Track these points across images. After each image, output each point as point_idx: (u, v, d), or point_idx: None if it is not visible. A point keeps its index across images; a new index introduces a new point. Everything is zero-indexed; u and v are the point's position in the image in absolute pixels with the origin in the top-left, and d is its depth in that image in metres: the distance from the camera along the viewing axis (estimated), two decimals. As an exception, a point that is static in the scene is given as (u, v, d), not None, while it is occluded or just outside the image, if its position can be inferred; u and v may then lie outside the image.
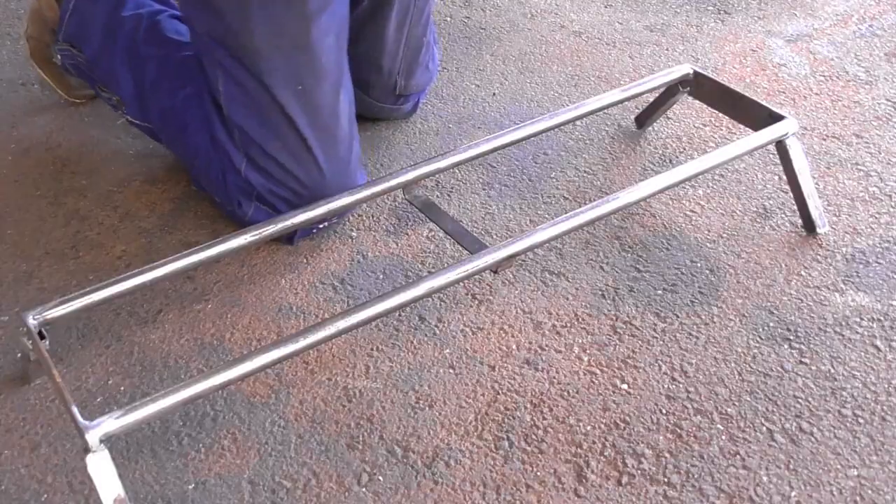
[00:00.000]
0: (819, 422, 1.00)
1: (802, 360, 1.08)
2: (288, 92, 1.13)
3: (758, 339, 1.10)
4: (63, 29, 1.43)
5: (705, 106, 1.41)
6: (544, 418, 1.01)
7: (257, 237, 1.06)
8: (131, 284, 0.99)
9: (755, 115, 1.24)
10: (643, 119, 1.46)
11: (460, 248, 1.21)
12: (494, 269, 1.02)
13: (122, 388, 1.05)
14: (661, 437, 0.99)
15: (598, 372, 1.07)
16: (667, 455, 0.97)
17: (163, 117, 1.31)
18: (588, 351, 1.09)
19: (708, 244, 1.25)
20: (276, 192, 1.18)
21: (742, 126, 1.35)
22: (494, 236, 1.26)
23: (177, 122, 1.28)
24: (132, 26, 1.34)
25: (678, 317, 1.14)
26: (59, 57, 1.49)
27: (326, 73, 1.14)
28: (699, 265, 1.21)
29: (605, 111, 1.44)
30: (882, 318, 1.13)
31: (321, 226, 1.23)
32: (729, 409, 1.02)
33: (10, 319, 1.13)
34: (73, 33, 1.42)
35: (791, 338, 1.10)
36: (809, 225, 1.26)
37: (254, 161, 1.18)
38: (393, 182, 1.13)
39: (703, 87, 1.32)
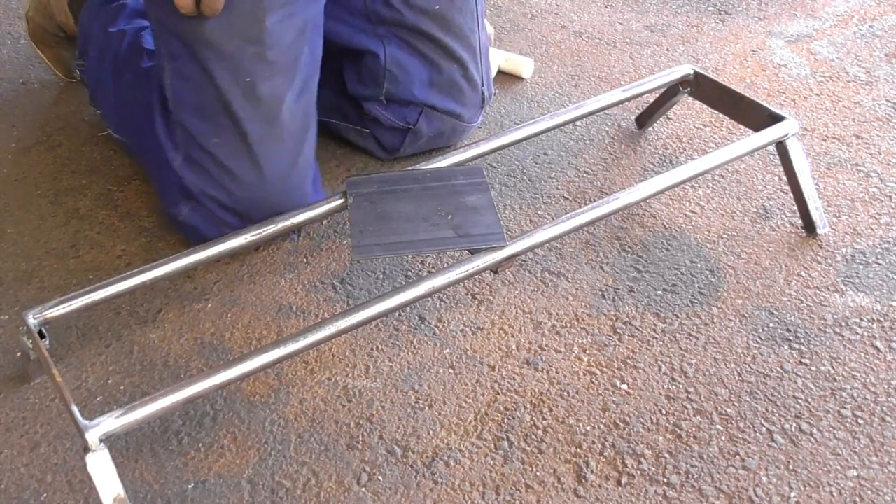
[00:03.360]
0: (819, 422, 1.00)
1: (802, 360, 1.08)
2: (234, 83, 1.10)
3: (758, 339, 1.10)
4: (78, 44, 1.45)
5: (705, 106, 1.41)
6: (544, 418, 1.01)
7: (257, 237, 1.06)
8: (131, 284, 0.99)
9: (755, 116, 1.24)
10: (643, 119, 1.46)
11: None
12: (494, 269, 1.02)
13: (122, 388, 1.05)
14: (660, 438, 0.99)
15: (597, 372, 1.07)
16: (666, 455, 0.97)
17: (130, 128, 1.31)
18: (588, 351, 1.09)
19: (708, 244, 1.25)
20: (210, 193, 1.15)
21: (742, 127, 1.35)
22: (494, 236, 1.26)
23: (138, 130, 1.27)
24: (117, 41, 1.35)
25: (678, 317, 1.14)
26: (77, 72, 1.51)
27: (278, 69, 1.11)
28: (699, 265, 1.21)
29: (606, 111, 1.44)
30: (882, 319, 1.13)
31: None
32: (729, 410, 1.02)
33: (11, 319, 1.13)
34: (81, 49, 1.44)
35: (791, 338, 1.10)
36: (809, 225, 1.26)
37: (190, 158, 1.15)
38: (393, 182, 1.13)
39: (703, 88, 1.32)
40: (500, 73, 1.62)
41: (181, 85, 1.13)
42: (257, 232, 1.05)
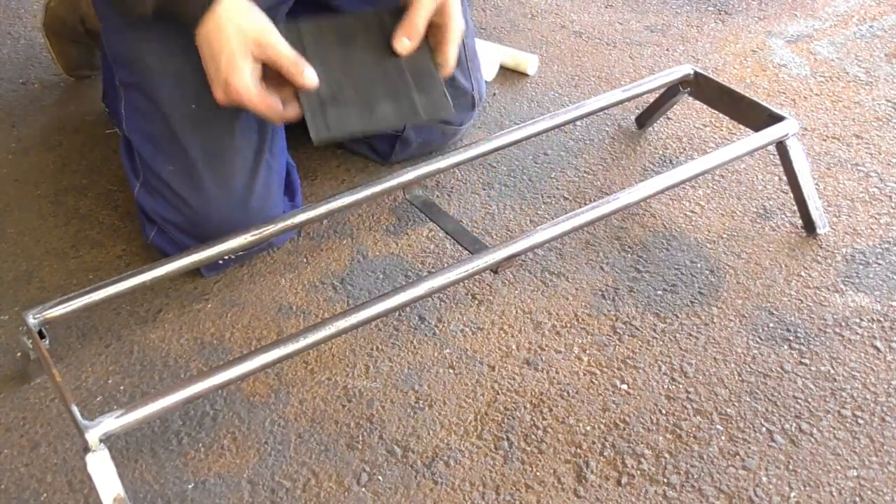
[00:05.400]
0: (819, 422, 1.00)
1: (802, 360, 1.08)
2: (180, 113, 1.08)
3: (758, 339, 1.10)
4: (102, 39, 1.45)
5: (705, 106, 1.41)
6: (544, 418, 1.01)
7: (257, 237, 1.06)
8: (131, 284, 0.99)
9: (755, 116, 1.24)
10: (643, 119, 1.46)
11: (460, 248, 1.21)
12: (494, 269, 1.02)
13: (122, 388, 1.05)
14: (660, 438, 0.99)
15: (597, 372, 1.07)
16: (666, 455, 0.97)
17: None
18: (588, 351, 1.09)
19: (708, 244, 1.25)
20: (169, 219, 1.14)
21: (742, 127, 1.35)
22: (494, 236, 1.26)
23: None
24: None
25: (678, 317, 1.14)
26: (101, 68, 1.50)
27: None
28: (699, 265, 1.21)
29: (606, 111, 1.44)
30: (882, 319, 1.13)
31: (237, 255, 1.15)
32: (729, 410, 1.02)
33: (11, 318, 1.13)
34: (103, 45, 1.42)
35: (791, 338, 1.10)
36: (809, 225, 1.26)
37: (147, 184, 1.15)
38: (393, 182, 1.13)
39: (703, 88, 1.32)
40: (504, 69, 1.62)
41: (133, 113, 1.12)
42: (257, 232, 1.05)
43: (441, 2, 1.02)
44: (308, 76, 0.96)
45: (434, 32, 1.05)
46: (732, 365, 1.07)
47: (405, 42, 1.02)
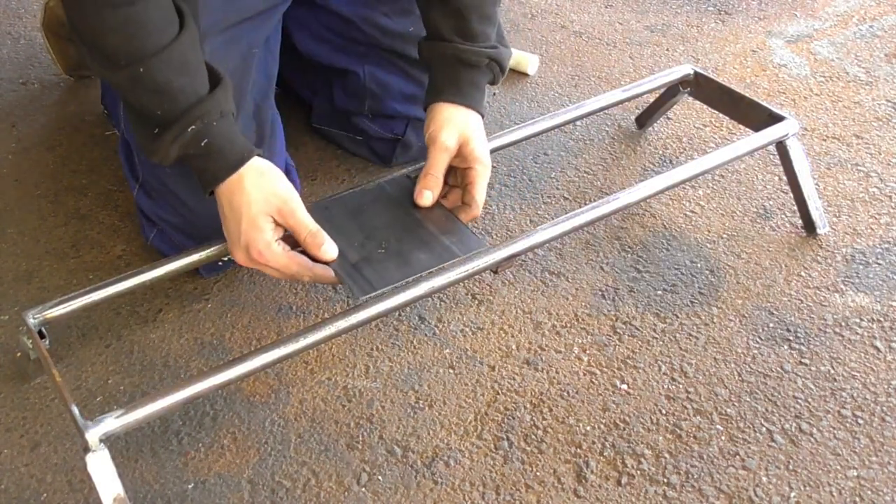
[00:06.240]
0: (819, 422, 1.00)
1: (802, 360, 1.08)
2: None
3: (758, 339, 1.10)
4: None
5: (705, 106, 1.41)
6: (544, 418, 1.01)
7: (257, 237, 1.05)
8: (131, 284, 0.99)
9: (755, 116, 1.24)
10: (644, 119, 1.46)
11: (460, 248, 1.21)
12: (494, 269, 1.02)
13: (122, 388, 1.05)
14: (660, 438, 0.99)
15: (597, 372, 1.07)
16: (666, 455, 0.97)
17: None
18: (588, 351, 1.09)
19: (708, 244, 1.25)
20: (169, 220, 1.14)
21: (742, 127, 1.35)
22: (494, 236, 1.26)
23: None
24: None
25: (678, 317, 1.14)
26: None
27: None
28: (699, 265, 1.21)
29: (606, 111, 1.44)
30: (882, 319, 1.13)
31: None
32: (729, 410, 1.02)
33: (11, 318, 1.13)
34: None
35: (791, 338, 1.10)
36: (809, 225, 1.26)
37: (146, 185, 1.15)
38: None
39: (703, 88, 1.32)
40: None
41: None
42: (257, 232, 1.05)
43: (461, 143, 1.02)
44: (326, 250, 0.95)
45: (459, 174, 1.05)
46: (732, 365, 1.07)
47: (427, 195, 1.02)
